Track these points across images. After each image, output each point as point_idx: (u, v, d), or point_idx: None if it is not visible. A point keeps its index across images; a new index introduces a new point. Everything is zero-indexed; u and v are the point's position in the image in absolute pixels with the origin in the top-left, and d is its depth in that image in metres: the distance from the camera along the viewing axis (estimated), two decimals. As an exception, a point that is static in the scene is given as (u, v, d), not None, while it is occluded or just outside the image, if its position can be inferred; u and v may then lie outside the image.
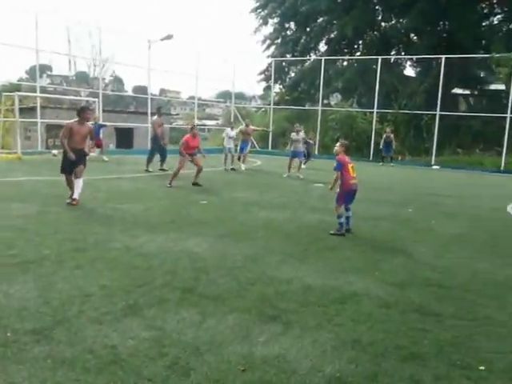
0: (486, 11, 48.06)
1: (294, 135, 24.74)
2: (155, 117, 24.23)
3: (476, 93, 50.66)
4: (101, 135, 28.13)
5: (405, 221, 13.65)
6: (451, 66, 39.65)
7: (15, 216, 11.59)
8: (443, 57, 38.51)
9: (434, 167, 36.22)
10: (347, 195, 11.63)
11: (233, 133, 26.30)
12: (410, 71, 54.35)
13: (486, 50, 40.60)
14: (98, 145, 27.40)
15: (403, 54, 50.50)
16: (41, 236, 9.80)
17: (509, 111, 35.84)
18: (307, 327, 6.00)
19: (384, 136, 35.81)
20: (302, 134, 25.29)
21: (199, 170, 18.59)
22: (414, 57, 46.57)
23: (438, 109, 38.09)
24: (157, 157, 23.05)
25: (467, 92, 51.06)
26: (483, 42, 44.74)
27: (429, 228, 12.75)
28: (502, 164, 35.85)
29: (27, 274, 7.40)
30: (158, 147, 23.08)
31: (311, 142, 31.75)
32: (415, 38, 50.84)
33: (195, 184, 18.41)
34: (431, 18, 44.51)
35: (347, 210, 11.76)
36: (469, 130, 41.54)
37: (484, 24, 47.17)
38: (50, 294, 6.65)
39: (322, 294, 7.19)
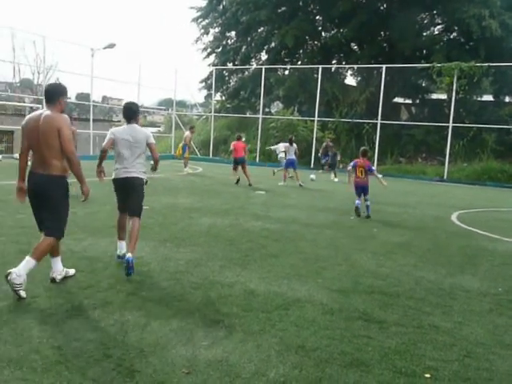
0: (426, 21, 48.61)
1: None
2: None
3: (418, 102, 51.07)
4: None
5: (347, 228, 13.67)
6: (392, 76, 40.14)
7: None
8: (384, 66, 38.90)
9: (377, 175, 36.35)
10: (355, 188, 16.07)
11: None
12: (350, 80, 54.78)
13: (427, 59, 41.02)
14: None
15: (344, 63, 50.89)
16: None
17: (451, 121, 36.35)
18: (250, 332, 5.98)
19: (324, 144, 35.97)
20: (295, 145, 26.00)
21: None
22: (355, 66, 46.99)
23: (379, 118, 38.49)
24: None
25: (409, 101, 51.51)
26: (424, 51, 45.14)
27: (371, 236, 12.76)
28: (445, 173, 36.33)
29: (-28, 276, 7.34)
30: None
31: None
32: (356, 47, 51.22)
33: None
34: (371, 28, 44.85)
35: (365, 200, 15.85)
36: (411, 139, 42.01)
37: (425, 34, 47.62)
38: None
39: (264, 299, 7.17)
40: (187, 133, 29.58)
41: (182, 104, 66.26)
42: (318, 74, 41.65)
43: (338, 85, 47.31)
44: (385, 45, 48.39)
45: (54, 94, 7.16)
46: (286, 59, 53.52)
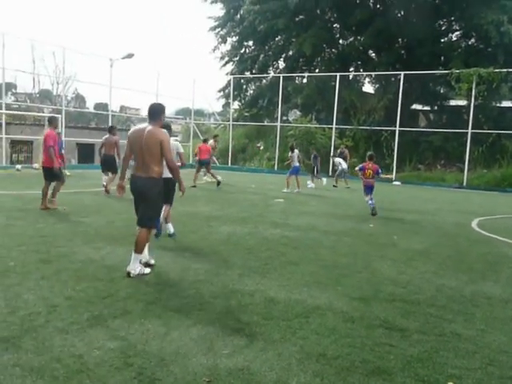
0: (444, 28, 48.46)
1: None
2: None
3: (436, 108, 50.84)
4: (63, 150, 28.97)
5: (367, 236, 13.59)
6: (410, 83, 39.95)
7: (-20, 229, 11.69)
8: (402, 73, 38.88)
9: (395, 183, 36.16)
10: (365, 187, 18.12)
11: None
12: (368, 88, 54.67)
13: (445, 66, 40.88)
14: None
15: (362, 70, 50.87)
16: (6, 248, 9.96)
17: (470, 127, 36.05)
18: (271, 340, 5.95)
19: (338, 151, 35.98)
20: (297, 151, 26.86)
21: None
22: (373, 73, 46.86)
23: (398, 125, 38.36)
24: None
25: (427, 108, 51.29)
26: (442, 58, 44.97)
27: (391, 243, 12.67)
28: (465, 180, 36.02)
29: (-6, 285, 7.50)
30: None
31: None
32: (373, 54, 51.15)
33: None
34: (389, 35, 44.74)
35: (370, 198, 17.87)
36: (429, 146, 41.75)
37: (442, 40, 47.47)
38: (17, 304, 6.75)
39: (285, 307, 7.14)
40: (211, 141, 30.03)
41: (199, 113, 66.41)
42: (335, 81, 41.54)
43: (355, 92, 47.39)
44: (402, 52, 48.30)
45: (157, 112, 8.76)
46: (304, 67, 53.55)
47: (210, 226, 13.77)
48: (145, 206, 8.68)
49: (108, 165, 20.87)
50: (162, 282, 8.10)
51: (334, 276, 9.06)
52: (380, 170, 18.45)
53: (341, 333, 6.29)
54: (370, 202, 17.80)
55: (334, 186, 29.70)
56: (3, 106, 33.83)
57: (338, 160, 31.13)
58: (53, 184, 15.70)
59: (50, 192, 15.62)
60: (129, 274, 8.42)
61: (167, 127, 10.59)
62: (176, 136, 18.21)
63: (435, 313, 7.25)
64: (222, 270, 9.12)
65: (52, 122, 16.27)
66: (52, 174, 15.55)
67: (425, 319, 6.96)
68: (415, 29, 42.41)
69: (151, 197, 8.64)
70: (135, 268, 8.49)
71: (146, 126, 8.62)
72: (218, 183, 25.89)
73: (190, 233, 12.57)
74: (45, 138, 15.60)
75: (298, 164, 26.10)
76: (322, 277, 8.95)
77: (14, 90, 76.16)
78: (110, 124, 37.54)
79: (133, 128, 9.13)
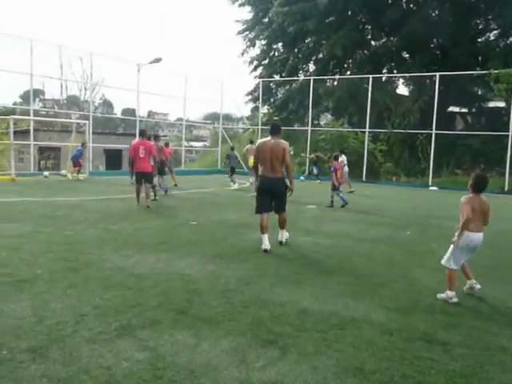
0: (481, 27, 47.94)
1: None
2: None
3: (474, 110, 50.25)
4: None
5: (403, 244, 13.28)
6: (446, 84, 39.26)
7: (9, 236, 11.87)
8: (437, 74, 38.20)
9: (432, 188, 35.64)
10: (339, 185, 20.98)
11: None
12: (403, 90, 54.06)
13: (483, 66, 40.13)
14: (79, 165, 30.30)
15: (395, 72, 50.34)
16: (34, 255, 9.96)
17: (510, 129, 35.04)
18: (305, 352, 5.74)
19: (313, 156, 36.25)
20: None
21: None
22: (407, 75, 46.20)
23: (434, 127, 37.59)
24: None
25: (464, 110, 50.74)
26: (479, 58, 44.45)
27: (429, 251, 12.28)
28: (506, 185, 34.90)
29: (21, 293, 7.49)
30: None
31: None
32: (407, 55, 50.72)
33: None
34: (423, 36, 44.02)
35: (338, 194, 20.81)
36: (467, 150, 41.07)
37: (480, 40, 47.03)
38: (44, 313, 6.69)
39: (319, 318, 6.91)
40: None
41: (228, 118, 66.42)
42: (368, 84, 41.19)
43: (389, 95, 46.77)
44: (437, 52, 47.81)
45: (279, 129, 12.00)
46: (335, 70, 53.29)
47: (239, 233, 13.60)
48: (278, 199, 11.81)
49: (161, 167, 23.11)
50: (191, 291, 7.90)
51: (370, 286, 8.80)
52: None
53: (378, 346, 6.04)
54: (340, 195, 20.86)
55: (350, 191, 27.86)
56: (31, 112, 34.48)
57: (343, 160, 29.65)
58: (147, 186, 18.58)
59: (143, 194, 18.34)
60: (281, 242, 12.11)
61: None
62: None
63: (479, 325, 6.93)
64: (253, 278, 8.93)
65: (143, 134, 19.86)
66: (151, 178, 19.08)
67: (468, 332, 6.65)
68: (450, 28, 41.94)
69: (281, 191, 11.75)
70: (283, 238, 12.23)
71: (270, 138, 11.69)
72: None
73: (219, 240, 12.44)
74: (150, 148, 18.89)
75: None
76: (357, 287, 8.69)
77: (41, 97, 77.11)
78: (137, 130, 38.12)
79: (260, 140, 12.33)
